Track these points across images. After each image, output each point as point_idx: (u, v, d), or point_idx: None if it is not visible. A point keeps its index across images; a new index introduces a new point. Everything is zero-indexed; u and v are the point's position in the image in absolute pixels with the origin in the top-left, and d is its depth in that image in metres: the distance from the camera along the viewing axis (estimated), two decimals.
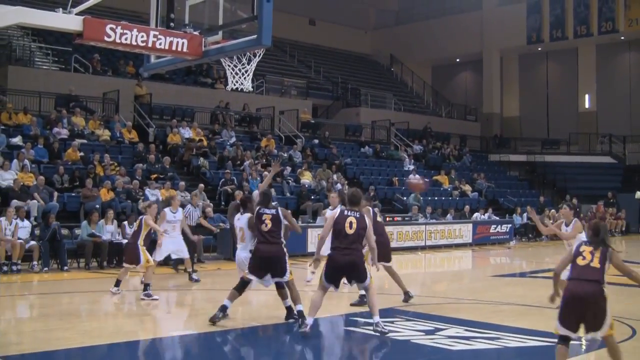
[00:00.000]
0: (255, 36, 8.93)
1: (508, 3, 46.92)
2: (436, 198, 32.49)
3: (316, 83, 43.16)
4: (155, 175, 24.40)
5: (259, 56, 10.05)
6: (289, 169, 28.95)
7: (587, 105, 46.47)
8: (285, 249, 10.92)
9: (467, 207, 31.66)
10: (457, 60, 51.63)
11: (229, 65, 10.09)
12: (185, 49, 9.54)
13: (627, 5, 41.58)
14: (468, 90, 52.03)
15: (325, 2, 47.87)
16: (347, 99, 42.74)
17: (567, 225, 12.17)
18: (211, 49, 9.76)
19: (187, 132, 28.68)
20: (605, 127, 44.04)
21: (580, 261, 7.58)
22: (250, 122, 32.82)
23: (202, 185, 24.27)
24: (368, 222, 10.24)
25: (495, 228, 30.21)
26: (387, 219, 26.82)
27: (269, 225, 10.78)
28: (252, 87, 10.53)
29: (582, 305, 7.38)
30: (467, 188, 34.94)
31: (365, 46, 53.28)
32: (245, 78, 10.10)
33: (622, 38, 43.82)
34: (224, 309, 10.94)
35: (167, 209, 15.84)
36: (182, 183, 24.09)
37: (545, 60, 48.64)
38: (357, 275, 10.19)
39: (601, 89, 45.68)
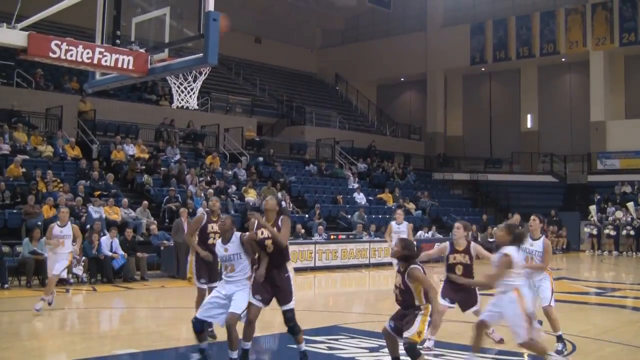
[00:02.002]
0: (202, 54, 8.89)
1: (452, 24, 47.58)
2: (380, 216, 32.63)
3: (261, 101, 43.18)
4: (98, 192, 24.16)
5: (204, 74, 10.04)
6: (233, 187, 28.90)
7: (529, 125, 47.26)
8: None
9: (410, 225, 31.78)
10: (402, 79, 52.12)
11: (175, 83, 10.03)
12: (131, 67, 9.45)
13: (567, 28, 42.58)
14: (412, 109, 52.51)
15: (272, 20, 48.03)
16: (292, 117, 42.83)
17: (532, 238, 10.87)
18: (157, 66, 9.68)
19: (131, 149, 28.48)
20: (547, 147, 44.77)
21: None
22: (195, 139, 32.71)
23: (145, 202, 24.16)
24: None
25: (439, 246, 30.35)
26: (332, 236, 26.93)
27: None
28: (197, 104, 10.50)
29: None
30: (411, 206, 35.15)
31: (311, 65, 53.52)
32: (190, 96, 10.05)
33: (563, 59, 44.68)
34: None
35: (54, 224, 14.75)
36: (126, 200, 23.96)
37: (488, 80, 49.33)
38: None
39: (543, 109, 46.48)
